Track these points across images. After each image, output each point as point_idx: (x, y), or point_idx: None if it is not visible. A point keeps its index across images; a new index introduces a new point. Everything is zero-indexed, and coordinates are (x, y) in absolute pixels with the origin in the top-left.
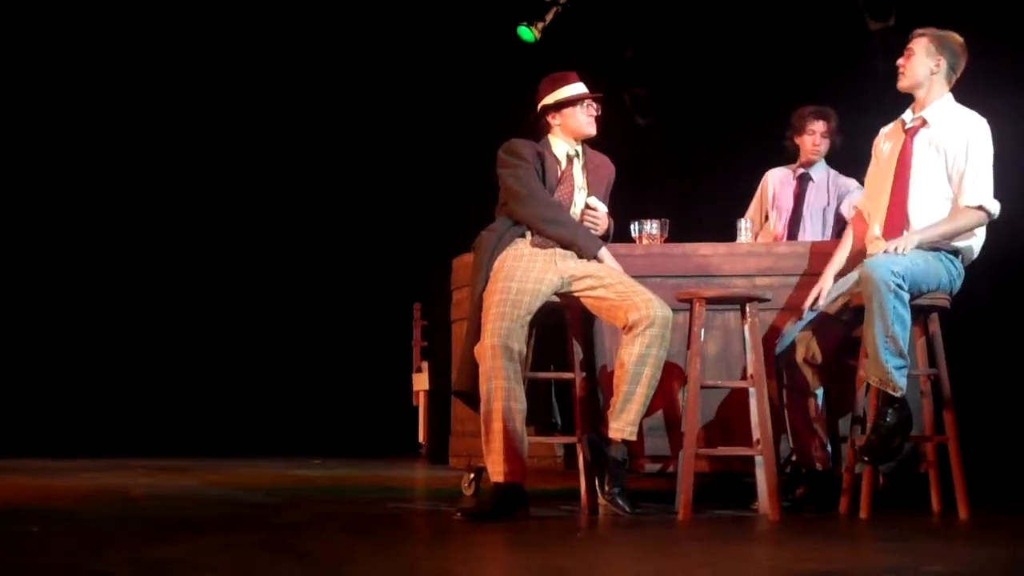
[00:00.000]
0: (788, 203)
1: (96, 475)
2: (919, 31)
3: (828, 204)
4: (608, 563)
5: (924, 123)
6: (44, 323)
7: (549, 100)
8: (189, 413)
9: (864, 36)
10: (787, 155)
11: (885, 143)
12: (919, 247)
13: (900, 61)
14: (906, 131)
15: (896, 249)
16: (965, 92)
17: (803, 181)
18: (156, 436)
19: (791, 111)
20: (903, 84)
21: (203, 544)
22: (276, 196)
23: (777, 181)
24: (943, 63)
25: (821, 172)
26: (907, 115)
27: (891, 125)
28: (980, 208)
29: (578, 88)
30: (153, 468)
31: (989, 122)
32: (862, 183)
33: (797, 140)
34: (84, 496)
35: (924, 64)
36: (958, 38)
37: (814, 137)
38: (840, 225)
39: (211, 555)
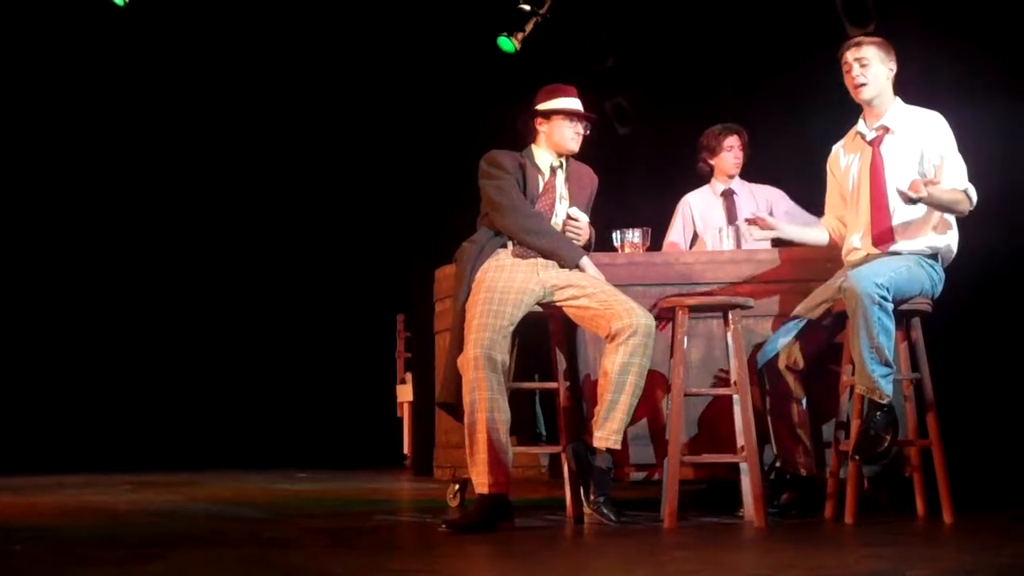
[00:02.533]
0: (720, 221)
1: (80, 491)
2: (866, 40)
3: (758, 211)
4: (594, 573)
5: (887, 130)
6: (26, 340)
7: (542, 106)
8: (173, 427)
9: (844, 41)
10: (701, 176)
11: (845, 158)
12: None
13: (856, 72)
14: (870, 142)
15: (914, 189)
16: (939, 95)
17: (728, 197)
18: (140, 451)
19: (773, 118)
20: (869, 94)
21: (188, 560)
22: (258, 209)
23: (700, 204)
24: (894, 68)
25: (740, 184)
26: (862, 127)
27: (844, 141)
28: (964, 192)
29: (572, 103)
30: (138, 483)
31: (967, 127)
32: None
33: (712, 160)
34: (69, 512)
35: (882, 71)
36: (889, 43)
37: (732, 152)
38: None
39: (196, 570)
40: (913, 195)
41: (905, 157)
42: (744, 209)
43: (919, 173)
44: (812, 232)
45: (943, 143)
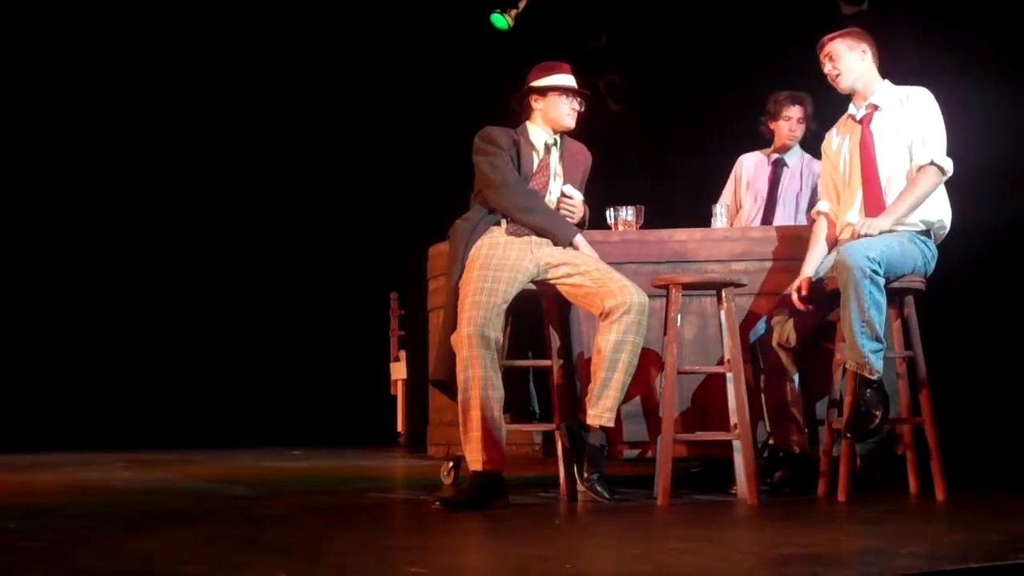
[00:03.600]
0: (763, 188)
1: (75, 469)
2: (827, 38)
3: (801, 190)
4: (588, 550)
5: (876, 108)
6: (22, 320)
7: (537, 83)
8: (167, 405)
9: (838, 21)
10: (760, 139)
11: (837, 139)
12: (893, 228)
13: (828, 68)
14: (860, 121)
15: (865, 228)
16: (931, 73)
17: (778, 167)
18: (135, 429)
19: (765, 96)
20: (845, 84)
21: (182, 537)
22: (252, 187)
23: (751, 166)
24: (868, 49)
25: (795, 158)
26: (852, 109)
27: (837, 125)
28: (932, 164)
29: (567, 79)
30: (132, 461)
31: (960, 105)
32: None
33: (772, 125)
34: (63, 491)
35: (853, 57)
36: (859, 28)
37: (790, 123)
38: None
39: (191, 548)
40: (872, 231)
41: (894, 132)
42: (787, 183)
43: (907, 151)
44: (815, 256)
45: (921, 117)
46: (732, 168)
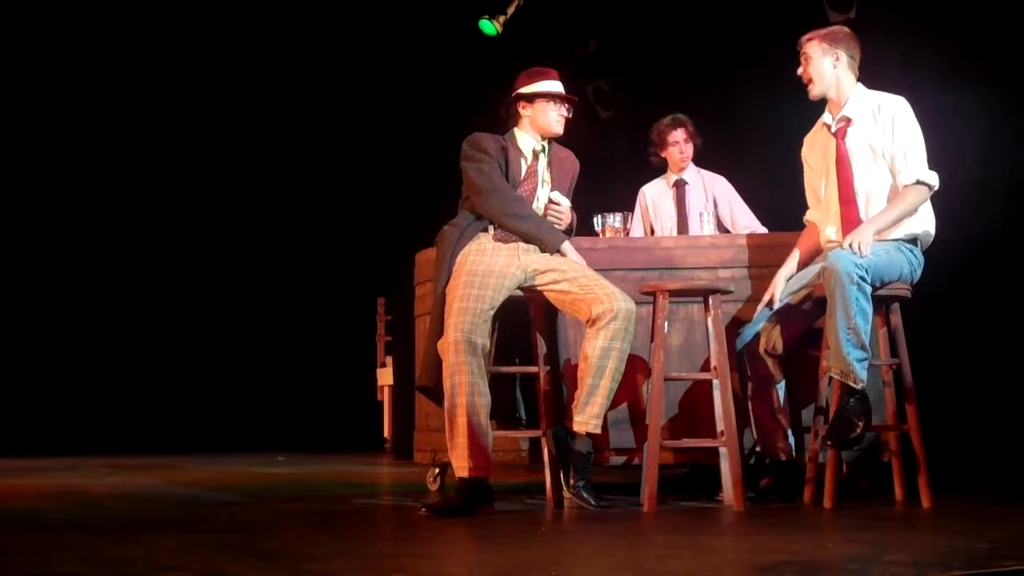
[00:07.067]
0: (671, 211)
1: (58, 474)
2: (804, 37)
3: (707, 201)
4: (574, 556)
5: (849, 121)
6: (4, 325)
7: (525, 90)
8: (152, 410)
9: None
10: (659, 167)
11: (814, 150)
12: (877, 239)
13: (800, 72)
14: (834, 134)
15: (852, 246)
16: (918, 81)
17: (680, 187)
18: (118, 434)
19: (753, 102)
20: (816, 92)
21: (166, 543)
22: (239, 193)
23: (654, 194)
24: (842, 55)
25: (693, 174)
26: (827, 118)
27: (813, 131)
28: (919, 183)
29: (555, 86)
30: (115, 466)
31: (946, 116)
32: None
33: (663, 154)
34: (46, 496)
35: (825, 64)
36: (845, 28)
37: (678, 146)
38: (722, 227)
39: (174, 554)
40: (856, 250)
41: (869, 147)
42: (694, 199)
43: (885, 166)
44: (793, 260)
45: (899, 131)
46: (636, 200)
